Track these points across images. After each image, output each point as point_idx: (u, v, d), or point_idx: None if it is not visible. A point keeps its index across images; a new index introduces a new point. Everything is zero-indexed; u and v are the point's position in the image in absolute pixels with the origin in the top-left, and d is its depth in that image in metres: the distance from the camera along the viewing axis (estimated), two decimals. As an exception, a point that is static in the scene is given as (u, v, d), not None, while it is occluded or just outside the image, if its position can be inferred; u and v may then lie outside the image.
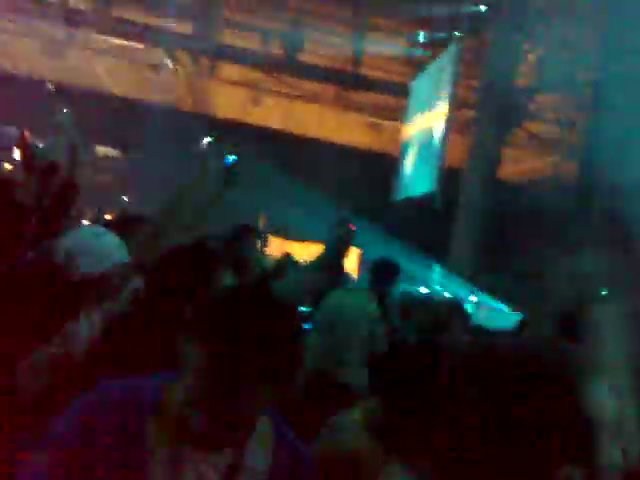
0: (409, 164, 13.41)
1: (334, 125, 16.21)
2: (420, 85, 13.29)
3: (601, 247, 8.70)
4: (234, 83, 14.94)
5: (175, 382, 1.40)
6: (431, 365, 1.50)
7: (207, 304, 1.40)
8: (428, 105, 12.25)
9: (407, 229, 12.26)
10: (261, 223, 7.91)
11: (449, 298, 5.86)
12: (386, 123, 15.91)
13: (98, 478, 1.31)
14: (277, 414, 1.47)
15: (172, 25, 13.07)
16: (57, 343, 2.15)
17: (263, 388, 1.29)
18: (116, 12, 12.83)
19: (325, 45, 14.06)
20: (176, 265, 2.21)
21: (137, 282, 2.77)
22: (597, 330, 2.71)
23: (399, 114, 14.60)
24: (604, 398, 0.93)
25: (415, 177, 12.71)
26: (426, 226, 11.55)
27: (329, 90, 14.63)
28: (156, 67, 13.95)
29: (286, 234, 13.12)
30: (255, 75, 14.21)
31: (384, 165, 14.18)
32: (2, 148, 9.13)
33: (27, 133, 2.92)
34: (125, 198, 11.66)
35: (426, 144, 12.10)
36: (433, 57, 12.57)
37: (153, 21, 13.05)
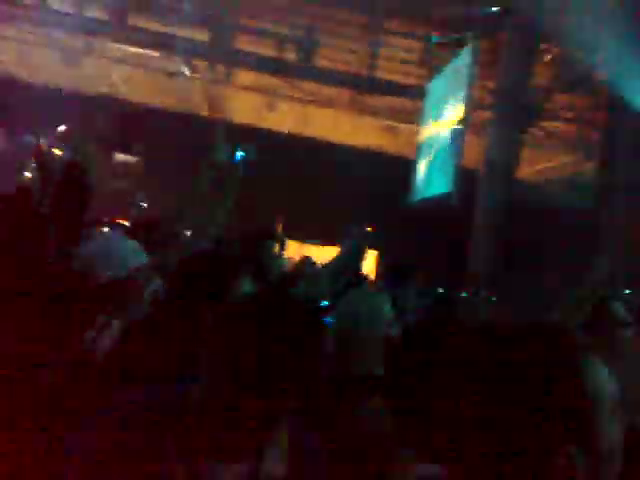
0: (425, 166, 13.39)
1: (350, 129, 16.21)
2: (436, 87, 13.27)
3: (618, 247, 8.65)
4: (249, 89, 15.00)
5: (194, 388, 1.41)
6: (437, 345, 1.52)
7: (228, 310, 1.41)
8: (444, 107, 12.23)
9: (424, 230, 12.24)
10: (279, 226, 7.94)
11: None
12: (402, 126, 15.89)
13: None
14: (293, 415, 1.48)
15: (188, 33, 13.15)
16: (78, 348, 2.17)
17: (286, 394, 1.29)
18: (132, 21, 12.93)
19: (340, 49, 14.09)
20: (195, 269, 2.22)
21: (157, 284, 2.80)
22: (614, 327, 2.71)
23: (415, 117, 14.58)
24: (604, 379, 0.94)
25: (432, 179, 12.69)
26: (443, 227, 11.52)
27: (344, 94, 14.64)
28: (172, 74, 14.04)
29: (304, 237, 13.15)
30: (270, 81, 14.26)
31: (400, 167, 14.16)
32: (22, 157, 9.25)
33: (43, 142, 2.95)
34: (143, 204, 11.72)
35: (442, 146, 12.08)
36: (449, 59, 12.53)
37: (169, 29, 13.14)
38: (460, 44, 11.84)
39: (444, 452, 1.02)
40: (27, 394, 1.89)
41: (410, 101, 14.41)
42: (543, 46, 12.02)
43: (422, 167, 13.63)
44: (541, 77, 12.26)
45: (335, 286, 3.45)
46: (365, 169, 13.27)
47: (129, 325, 2.41)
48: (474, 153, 12.21)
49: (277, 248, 5.56)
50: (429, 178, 12.96)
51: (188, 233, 3.40)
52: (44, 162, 2.91)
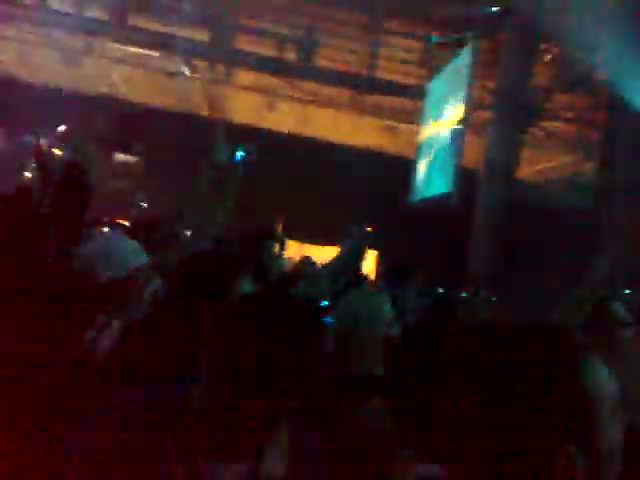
0: (425, 166, 13.40)
1: (350, 129, 16.21)
2: (436, 87, 13.27)
3: (618, 247, 8.65)
4: (249, 89, 15.00)
5: (194, 388, 1.41)
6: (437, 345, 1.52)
7: (228, 309, 1.41)
8: (444, 107, 12.23)
9: (424, 230, 12.24)
10: (279, 226, 7.94)
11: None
12: (402, 126, 15.89)
13: None
14: (293, 415, 1.48)
15: (188, 33, 13.16)
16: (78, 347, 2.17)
17: (286, 394, 1.29)
18: (132, 21, 12.94)
19: (340, 49, 14.09)
20: (195, 269, 2.22)
21: (157, 284, 2.80)
22: (614, 327, 2.71)
23: (415, 117, 14.58)
24: (604, 379, 0.94)
25: (432, 179, 12.70)
26: (442, 227, 11.52)
27: (344, 94, 14.64)
28: (172, 74, 14.04)
29: (304, 237, 13.15)
30: (270, 81, 14.26)
31: (400, 167, 14.16)
32: (22, 157, 9.25)
33: (43, 142, 2.95)
34: (143, 204, 11.72)
35: (442, 146, 12.08)
36: (449, 59, 12.54)
37: (169, 29, 13.15)
38: (460, 44, 11.85)
39: (444, 452, 1.02)
40: (27, 394, 1.89)
41: (410, 101, 14.42)
42: (543, 46, 12.03)
43: (422, 167, 13.63)
44: (541, 77, 12.27)
45: (335, 286, 3.46)
46: (365, 169, 13.27)
47: (129, 325, 2.42)
48: (474, 153, 12.22)
49: (277, 248, 5.56)
50: (429, 178, 12.97)
51: (188, 233, 3.40)
52: (44, 162, 2.91)
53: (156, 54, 13.55)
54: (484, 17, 11.61)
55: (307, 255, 7.32)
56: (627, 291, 5.99)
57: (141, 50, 13.50)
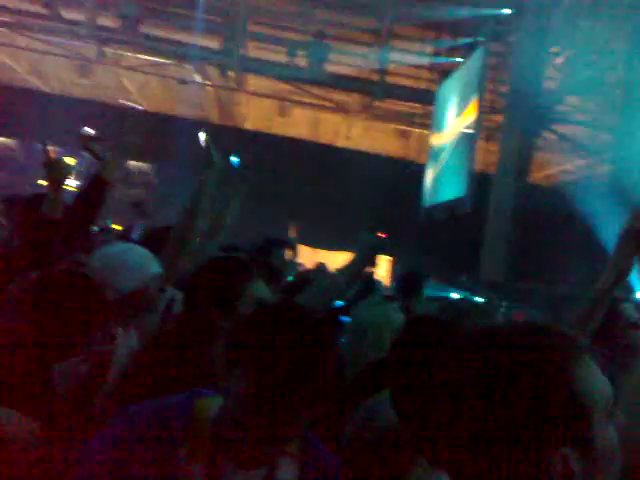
0: (438, 171, 13.37)
1: (361, 134, 16.24)
2: (447, 91, 13.26)
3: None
4: (261, 95, 15.06)
5: (207, 398, 1.42)
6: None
7: (241, 324, 1.40)
8: (455, 111, 12.22)
9: (437, 235, 12.22)
10: (292, 233, 7.96)
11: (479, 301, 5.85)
12: (413, 130, 15.89)
13: None
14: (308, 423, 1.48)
15: (199, 40, 13.22)
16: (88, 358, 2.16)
17: (304, 404, 1.30)
18: (144, 29, 13.02)
19: (351, 55, 14.10)
20: (207, 276, 2.22)
21: (170, 293, 2.82)
22: (625, 328, 2.71)
23: (426, 121, 14.58)
24: (598, 380, 0.94)
25: (444, 183, 12.68)
26: (456, 232, 11.50)
27: (355, 99, 14.66)
28: (185, 82, 14.12)
29: (317, 244, 13.15)
30: (282, 87, 14.31)
31: (412, 172, 14.16)
32: (37, 165, 9.30)
33: (51, 148, 2.97)
34: (155, 211, 11.76)
35: (454, 150, 12.06)
36: (459, 63, 12.53)
37: (181, 37, 13.22)
38: (471, 47, 11.83)
39: (439, 455, 1.02)
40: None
41: (421, 105, 14.41)
42: (555, 48, 11.97)
43: (434, 172, 13.61)
44: (553, 80, 12.21)
45: (348, 292, 3.47)
46: (377, 174, 13.27)
47: (147, 334, 2.43)
48: (486, 157, 12.19)
49: (290, 254, 5.58)
50: (441, 183, 12.95)
51: (199, 240, 3.42)
52: (52, 169, 2.93)
53: (169, 62, 13.63)
54: (494, 20, 11.58)
55: (320, 261, 7.36)
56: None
57: (154, 58, 13.59)
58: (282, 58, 13.32)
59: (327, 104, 14.88)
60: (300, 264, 7.22)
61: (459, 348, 1.01)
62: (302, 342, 1.32)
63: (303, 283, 4.82)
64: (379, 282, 6.36)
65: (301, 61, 13.24)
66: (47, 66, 15.02)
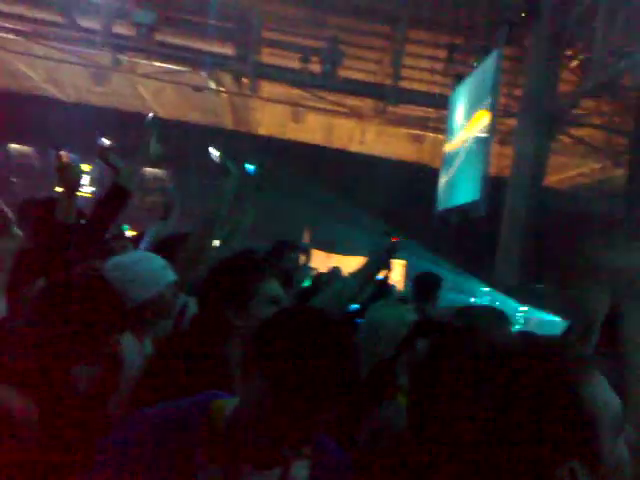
0: (452, 175, 13.33)
1: (375, 139, 16.24)
2: (461, 95, 13.22)
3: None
4: (275, 101, 15.10)
5: (224, 399, 1.43)
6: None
7: (260, 325, 1.40)
8: (470, 115, 12.18)
9: (451, 239, 12.19)
10: (306, 237, 7.97)
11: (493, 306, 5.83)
12: (427, 135, 15.86)
13: None
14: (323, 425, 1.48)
15: (214, 48, 13.29)
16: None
17: (323, 407, 1.30)
18: (159, 37, 13.11)
19: (364, 60, 14.12)
20: (221, 276, 2.23)
21: (184, 300, 2.83)
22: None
23: (440, 125, 14.55)
24: (606, 393, 0.94)
25: (458, 186, 12.63)
26: (470, 236, 11.47)
27: (369, 104, 14.67)
28: (199, 89, 14.19)
29: (332, 248, 13.16)
30: (295, 92, 14.35)
31: (427, 176, 14.13)
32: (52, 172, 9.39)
33: (64, 153, 2.99)
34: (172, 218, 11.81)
35: (469, 153, 12.02)
36: (473, 67, 12.49)
37: (195, 44, 13.31)
38: (486, 51, 11.79)
39: (448, 467, 1.02)
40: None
41: (435, 110, 14.38)
42: (570, 51, 11.92)
43: (449, 176, 13.57)
44: (568, 83, 12.16)
45: (361, 296, 3.47)
46: (391, 178, 13.27)
47: (163, 340, 2.44)
48: (500, 161, 12.14)
49: (303, 259, 5.59)
50: (456, 186, 12.90)
51: (214, 246, 3.44)
52: (65, 174, 2.96)
53: (183, 69, 13.71)
54: (509, 23, 11.53)
55: (335, 266, 7.36)
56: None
57: (168, 66, 13.67)
58: (296, 64, 13.35)
59: (341, 109, 14.89)
60: (313, 269, 7.22)
61: (469, 362, 1.01)
62: (323, 345, 1.32)
63: (317, 287, 4.85)
64: (393, 286, 6.36)
65: (315, 67, 13.27)
66: (63, 74, 15.16)
